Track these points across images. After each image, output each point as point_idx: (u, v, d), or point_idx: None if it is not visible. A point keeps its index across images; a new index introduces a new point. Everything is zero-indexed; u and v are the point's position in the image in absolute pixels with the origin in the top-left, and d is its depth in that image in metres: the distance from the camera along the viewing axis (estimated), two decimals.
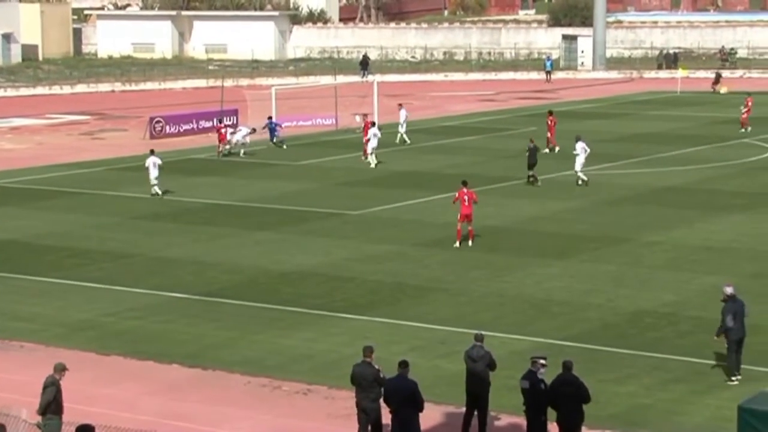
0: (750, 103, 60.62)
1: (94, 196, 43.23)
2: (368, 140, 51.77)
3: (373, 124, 53.15)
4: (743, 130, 59.74)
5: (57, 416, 18.85)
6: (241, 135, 54.02)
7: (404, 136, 57.35)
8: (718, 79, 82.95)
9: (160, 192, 43.36)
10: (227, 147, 53.87)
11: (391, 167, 50.27)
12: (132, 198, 43.64)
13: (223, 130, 54.48)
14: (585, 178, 44.42)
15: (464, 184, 35.16)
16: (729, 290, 23.36)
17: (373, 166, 50.38)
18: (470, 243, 34.51)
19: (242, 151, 53.82)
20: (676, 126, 63.37)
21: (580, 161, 44.44)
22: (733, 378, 22.99)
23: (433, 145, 56.93)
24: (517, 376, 19.61)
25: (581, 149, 44.50)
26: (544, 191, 43.78)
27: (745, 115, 60.37)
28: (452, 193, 43.38)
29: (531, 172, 45.21)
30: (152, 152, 44.32)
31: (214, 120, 60.75)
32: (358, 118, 60.26)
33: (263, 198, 43.30)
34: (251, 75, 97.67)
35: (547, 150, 52.16)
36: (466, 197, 34.53)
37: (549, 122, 54.44)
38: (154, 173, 43.31)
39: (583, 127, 63.81)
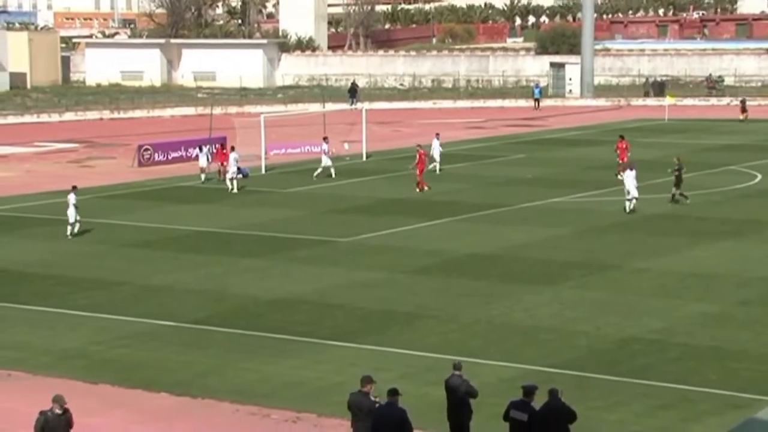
0: None
1: (83, 224, 43.14)
2: (422, 171, 50.78)
3: (233, 149, 52.79)
4: None
5: None
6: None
7: (438, 165, 56.51)
8: (744, 107, 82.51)
9: (75, 231, 41.35)
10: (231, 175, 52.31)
11: (379, 194, 50.32)
12: (120, 226, 43.60)
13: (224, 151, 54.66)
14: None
15: None
16: None
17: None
18: None
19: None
20: (665, 153, 63.50)
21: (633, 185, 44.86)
22: None
23: None
24: (504, 403, 19.55)
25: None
26: (532, 218, 43.85)
27: None
28: (442, 219, 43.73)
29: (675, 191, 46.48)
30: (74, 188, 42.05)
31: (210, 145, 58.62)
32: (346, 146, 60.31)
33: (252, 225, 43.29)
34: (240, 103, 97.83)
35: (619, 176, 49.98)
36: None
37: (621, 147, 54.72)
38: (71, 211, 41.22)
39: (572, 154, 64.13)
